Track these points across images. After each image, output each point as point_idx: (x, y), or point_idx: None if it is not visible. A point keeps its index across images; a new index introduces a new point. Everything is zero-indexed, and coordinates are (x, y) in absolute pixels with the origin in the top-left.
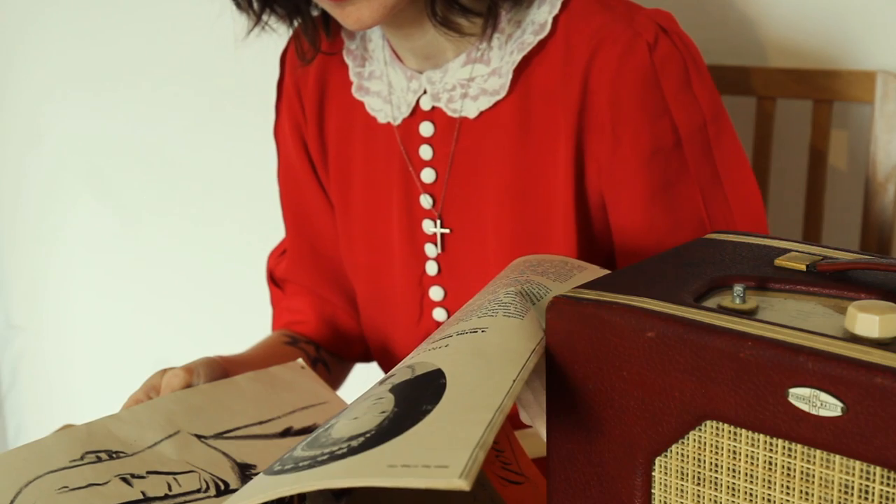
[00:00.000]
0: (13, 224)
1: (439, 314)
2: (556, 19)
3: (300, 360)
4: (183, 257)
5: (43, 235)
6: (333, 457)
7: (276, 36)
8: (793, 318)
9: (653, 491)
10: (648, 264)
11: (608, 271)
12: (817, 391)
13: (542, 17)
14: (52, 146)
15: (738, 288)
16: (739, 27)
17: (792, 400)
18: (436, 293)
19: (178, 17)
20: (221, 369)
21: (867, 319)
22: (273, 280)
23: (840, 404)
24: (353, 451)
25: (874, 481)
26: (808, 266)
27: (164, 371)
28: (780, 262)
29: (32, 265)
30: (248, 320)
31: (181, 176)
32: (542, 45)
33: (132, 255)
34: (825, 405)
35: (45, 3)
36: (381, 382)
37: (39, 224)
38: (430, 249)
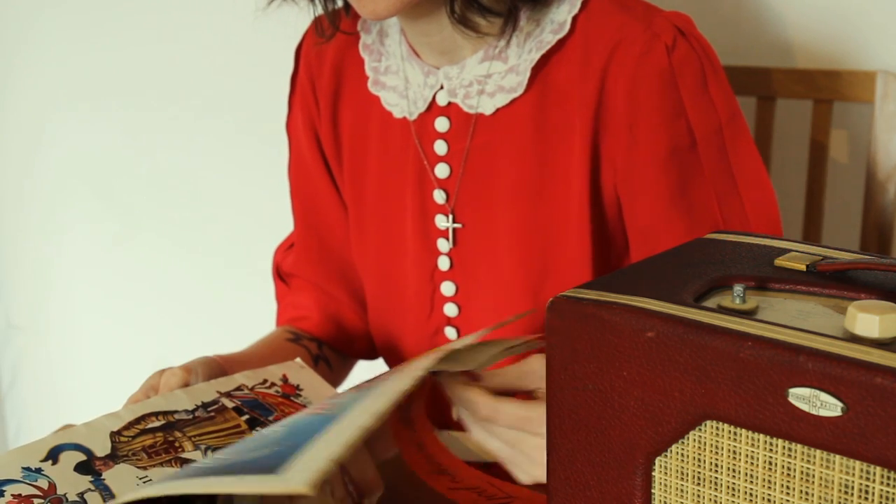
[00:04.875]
0: (16, 224)
1: (450, 309)
2: (575, 19)
3: (298, 360)
4: (182, 258)
5: (44, 236)
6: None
7: (278, 41)
8: (793, 318)
9: (653, 491)
10: (648, 264)
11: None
12: (817, 391)
13: (561, 17)
14: (55, 147)
15: (738, 288)
16: (739, 28)
17: (792, 400)
18: (447, 288)
19: (181, 24)
20: (220, 368)
21: (867, 319)
22: (279, 274)
23: (840, 404)
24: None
25: (874, 481)
26: (808, 266)
27: (163, 371)
28: (780, 262)
29: (33, 265)
30: (248, 321)
31: (182, 178)
32: (560, 44)
33: (132, 256)
34: (825, 405)
35: (46, 8)
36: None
37: (41, 225)
38: (443, 244)
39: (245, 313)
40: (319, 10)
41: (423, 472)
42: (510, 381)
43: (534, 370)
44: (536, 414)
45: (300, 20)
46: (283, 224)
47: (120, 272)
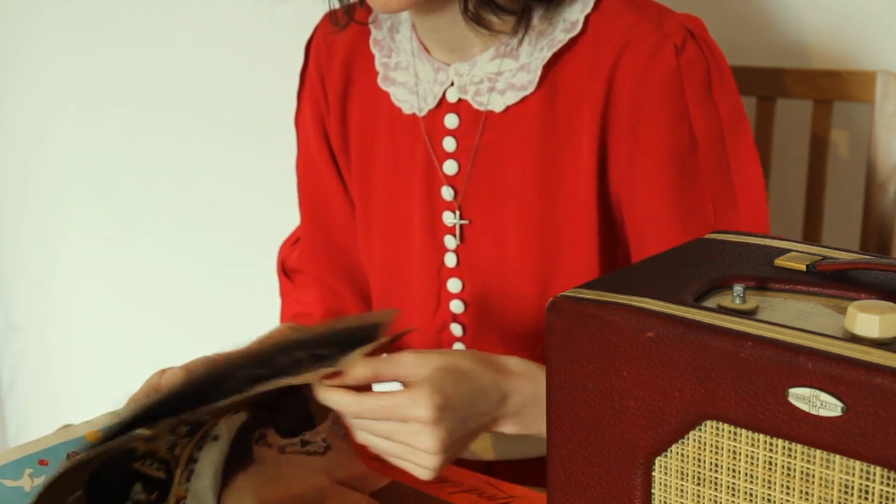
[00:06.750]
0: (16, 224)
1: (456, 306)
2: (587, 18)
3: None
4: (182, 258)
5: (45, 236)
6: None
7: (278, 42)
8: (793, 318)
9: (653, 491)
10: (648, 264)
11: None
12: (817, 391)
13: (574, 16)
14: (55, 147)
15: (738, 288)
16: (739, 27)
17: (792, 400)
18: (454, 285)
19: (181, 24)
20: None
21: (867, 319)
22: (284, 270)
23: (840, 404)
24: None
25: (874, 481)
26: (808, 266)
27: (164, 371)
28: (780, 262)
29: (34, 265)
30: (248, 321)
31: (183, 178)
32: (572, 42)
33: (132, 256)
34: (825, 405)
35: (46, 8)
36: None
37: (42, 225)
38: (450, 241)
39: (245, 313)
40: (335, 3)
41: (421, 487)
42: (379, 369)
43: (404, 360)
44: (401, 401)
45: (301, 20)
46: (283, 224)
47: (120, 272)
